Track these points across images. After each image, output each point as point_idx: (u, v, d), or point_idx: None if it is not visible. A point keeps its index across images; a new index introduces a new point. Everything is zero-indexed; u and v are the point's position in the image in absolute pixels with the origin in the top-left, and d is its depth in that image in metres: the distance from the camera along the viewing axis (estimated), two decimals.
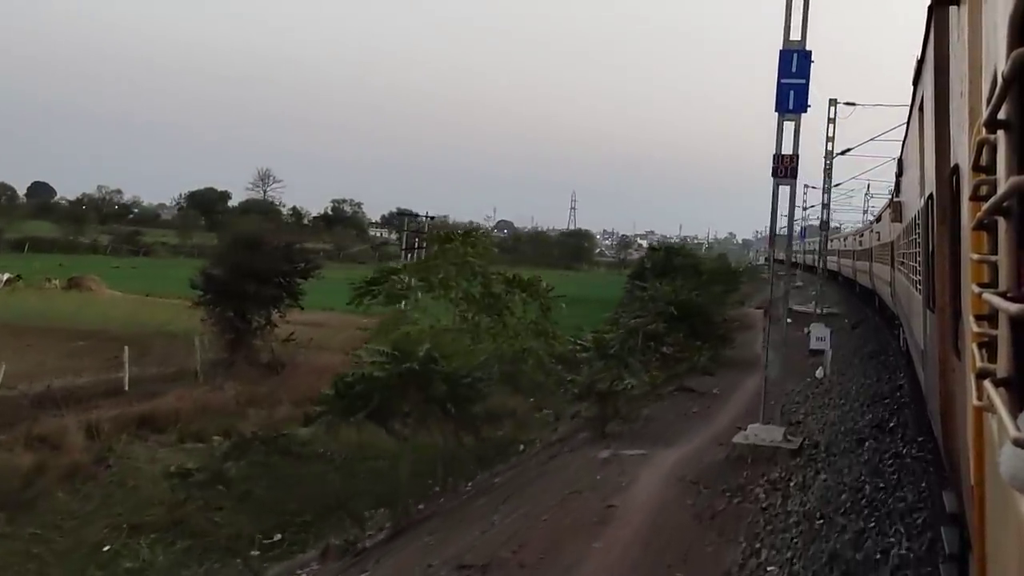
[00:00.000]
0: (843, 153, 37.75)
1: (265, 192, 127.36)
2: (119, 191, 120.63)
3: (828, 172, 37.67)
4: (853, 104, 34.74)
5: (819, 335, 22.33)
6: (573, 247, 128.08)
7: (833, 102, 35.20)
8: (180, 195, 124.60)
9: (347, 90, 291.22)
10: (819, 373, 21.21)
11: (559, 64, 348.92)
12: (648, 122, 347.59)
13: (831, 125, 35.75)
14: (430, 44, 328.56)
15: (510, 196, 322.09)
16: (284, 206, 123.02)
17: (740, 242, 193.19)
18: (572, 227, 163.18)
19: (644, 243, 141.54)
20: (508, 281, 28.56)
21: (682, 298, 29.35)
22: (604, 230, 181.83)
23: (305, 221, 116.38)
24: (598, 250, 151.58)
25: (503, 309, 27.60)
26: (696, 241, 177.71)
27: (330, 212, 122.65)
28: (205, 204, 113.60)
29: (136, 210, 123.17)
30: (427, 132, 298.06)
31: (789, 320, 32.47)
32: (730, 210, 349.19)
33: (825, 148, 36.59)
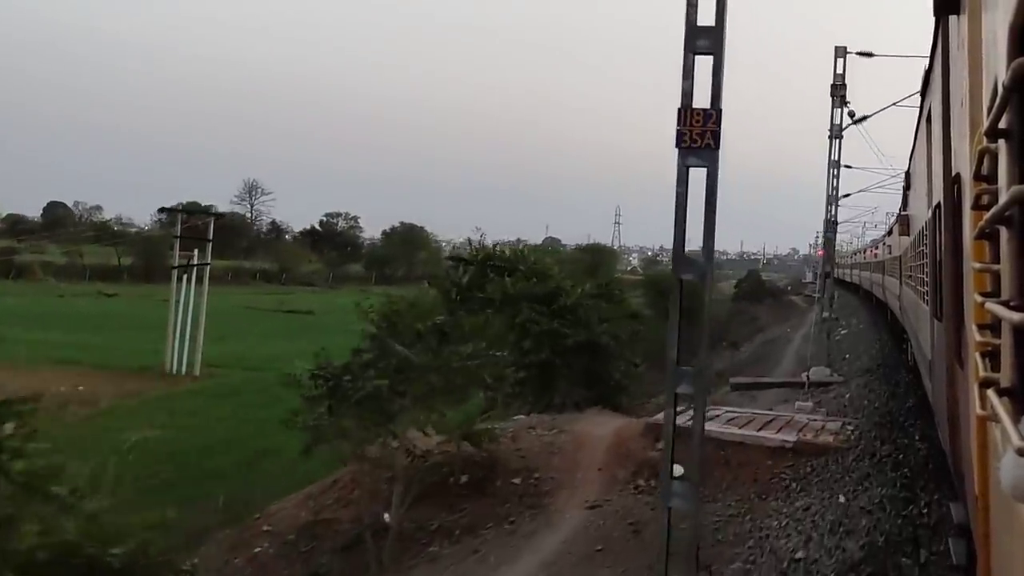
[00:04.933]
0: (858, 121, 24.61)
1: (252, 205, 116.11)
2: (99, 207, 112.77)
3: (835, 164, 24.82)
4: (869, 54, 23.72)
5: None
6: (589, 263, 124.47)
7: (841, 51, 23.76)
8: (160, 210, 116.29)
9: (376, 104, 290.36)
10: None
11: (624, 87, 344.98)
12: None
13: (838, 85, 23.77)
14: (480, 66, 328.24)
15: (566, 215, 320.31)
16: (263, 219, 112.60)
17: (800, 258, 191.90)
18: (617, 243, 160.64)
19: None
20: None
21: None
22: (660, 246, 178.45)
23: (288, 236, 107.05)
24: (630, 267, 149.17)
25: None
26: (754, 256, 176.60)
27: (319, 227, 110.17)
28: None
29: (134, 228, 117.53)
30: (474, 150, 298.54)
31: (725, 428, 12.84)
32: (793, 225, 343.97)
33: (830, 121, 24.22)
